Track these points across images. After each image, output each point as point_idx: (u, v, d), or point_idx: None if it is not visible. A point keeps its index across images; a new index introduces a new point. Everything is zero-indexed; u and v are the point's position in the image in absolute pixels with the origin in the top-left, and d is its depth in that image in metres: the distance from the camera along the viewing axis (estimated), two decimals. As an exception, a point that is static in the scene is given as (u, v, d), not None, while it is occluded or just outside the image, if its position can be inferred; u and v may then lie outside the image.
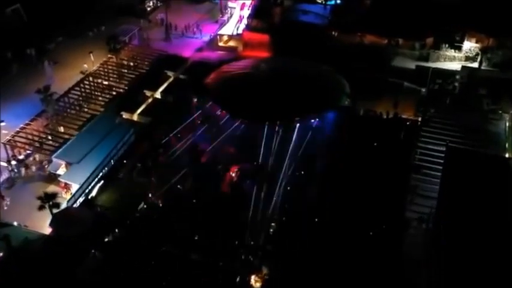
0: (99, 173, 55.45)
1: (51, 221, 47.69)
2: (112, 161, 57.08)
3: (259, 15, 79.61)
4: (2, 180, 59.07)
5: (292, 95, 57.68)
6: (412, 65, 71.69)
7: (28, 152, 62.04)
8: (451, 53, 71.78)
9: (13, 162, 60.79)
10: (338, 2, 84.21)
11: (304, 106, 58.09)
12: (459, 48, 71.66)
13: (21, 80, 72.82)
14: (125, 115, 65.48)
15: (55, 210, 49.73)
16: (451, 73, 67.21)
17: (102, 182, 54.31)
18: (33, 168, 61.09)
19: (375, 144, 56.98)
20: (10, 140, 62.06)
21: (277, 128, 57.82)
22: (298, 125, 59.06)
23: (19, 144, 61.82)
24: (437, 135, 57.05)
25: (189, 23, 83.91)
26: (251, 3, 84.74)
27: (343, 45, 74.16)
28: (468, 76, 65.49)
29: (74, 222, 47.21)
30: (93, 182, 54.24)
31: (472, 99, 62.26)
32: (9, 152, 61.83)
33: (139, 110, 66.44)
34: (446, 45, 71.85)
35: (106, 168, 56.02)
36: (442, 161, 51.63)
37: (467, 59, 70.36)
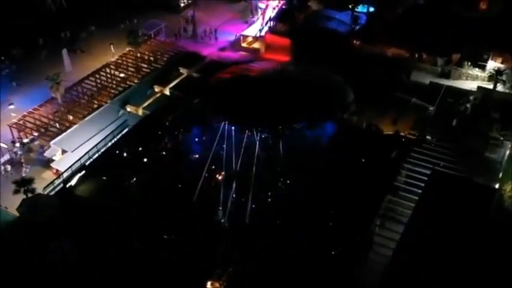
0: (85, 163, 56.36)
1: (18, 206, 49.01)
2: (99, 152, 57.71)
3: (283, 19, 78.66)
4: (2, 161, 61.18)
5: (283, 103, 56.80)
6: (431, 81, 68.32)
7: (34, 135, 63.95)
8: (474, 71, 67.78)
9: (17, 145, 62.99)
10: (371, 9, 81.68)
11: (293, 115, 57.11)
12: (483, 68, 67.52)
13: (46, 66, 74.81)
14: (130, 108, 66.36)
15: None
16: (465, 93, 63.41)
17: (83, 172, 55.01)
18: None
19: (363, 160, 54.65)
20: (16, 122, 64.17)
21: (265, 134, 57.19)
22: (288, 132, 58.18)
23: (23, 127, 63.95)
24: (429, 158, 54.04)
25: (210, 28, 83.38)
26: (276, 6, 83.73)
27: (363, 55, 71.77)
28: (482, 97, 61.63)
29: (39, 209, 48.29)
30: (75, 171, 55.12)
31: (482, 122, 58.44)
32: (15, 134, 63.97)
33: (144, 104, 67.06)
34: (469, 63, 67.88)
35: (90, 159, 56.74)
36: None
37: (491, 79, 66.05)
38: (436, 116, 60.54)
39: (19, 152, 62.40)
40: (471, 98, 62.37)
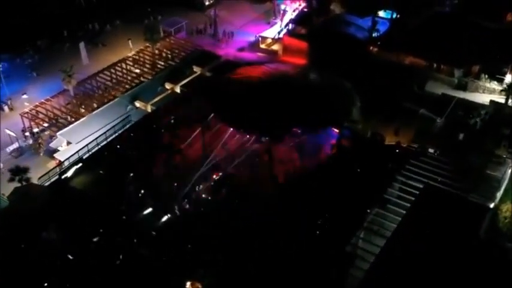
0: (82, 155, 57.14)
1: (9, 194, 50.15)
2: (98, 146, 58.45)
3: (302, 22, 77.87)
4: (11, 149, 62.83)
5: (284, 106, 56.31)
6: (447, 92, 66.21)
7: (43, 126, 65.32)
8: (492, 85, 65.32)
9: (26, 134, 64.56)
10: (394, 16, 79.91)
11: (292, 119, 56.52)
12: (501, 81, 64.98)
13: (67, 58, 76.16)
14: (138, 104, 66.91)
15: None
16: (477, 106, 61.16)
17: (80, 164, 55.75)
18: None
19: (358, 170, 53.50)
20: (27, 112, 65.70)
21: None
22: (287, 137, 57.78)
23: (34, 117, 65.44)
24: (425, 171, 52.24)
25: (228, 31, 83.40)
26: (296, 8, 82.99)
27: (379, 62, 70.27)
28: (494, 112, 59.36)
29: (29, 198, 49.24)
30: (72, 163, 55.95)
31: (489, 138, 56.29)
32: (27, 123, 65.51)
33: (153, 101, 67.43)
34: (486, 76, 65.52)
35: (89, 152, 57.47)
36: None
37: (505, 93, 63.48)
38: (443, 129, 58.44)
39: (30, 142, 63.72)
40: (482, 112, 59.91)
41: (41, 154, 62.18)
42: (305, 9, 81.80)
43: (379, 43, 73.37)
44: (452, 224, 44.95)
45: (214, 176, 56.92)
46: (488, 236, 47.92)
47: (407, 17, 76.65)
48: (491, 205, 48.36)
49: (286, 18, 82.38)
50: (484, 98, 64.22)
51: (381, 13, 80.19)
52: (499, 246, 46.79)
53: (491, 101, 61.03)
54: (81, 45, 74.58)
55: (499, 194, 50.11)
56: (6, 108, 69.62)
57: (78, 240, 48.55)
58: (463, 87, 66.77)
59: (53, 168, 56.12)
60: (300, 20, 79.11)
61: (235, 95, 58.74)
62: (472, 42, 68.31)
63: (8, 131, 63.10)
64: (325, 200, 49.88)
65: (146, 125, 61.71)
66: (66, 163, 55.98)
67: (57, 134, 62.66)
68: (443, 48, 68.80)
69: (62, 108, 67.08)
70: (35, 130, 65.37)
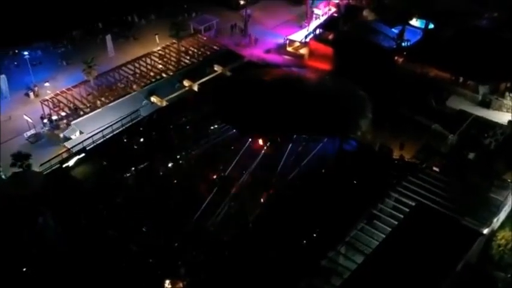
0: (86, 146, 58.28)
1: (7, 178, 51.68)
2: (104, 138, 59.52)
3: (329, 27, 76.57)
4: (29, 134, 64.84)
5: (285, 112, 55.56)
6: (468, 109, 63.61)
7: (61, 115, 67.09)
8: (518, 104, 62.31)
9: (44, 121, 66.46)
10: (430, 26, 77.53)
11: (293, 125, 55.66)
12: (528, 101, 61.88)
13: (97, 49, 78.29)
14: (154, 99, 67.66)
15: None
16: (494, 125, 58.34)
17: (82, 154, 56.85)
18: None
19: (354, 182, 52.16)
20: (47, 99, 67.63)
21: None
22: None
23: (52, 105, 67.30)
24: (423, 189, 50.17)
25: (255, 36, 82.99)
26: (325, 13, 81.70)
27: (403, 73, 68.27)
28: (510, 132, 56.51)
29: (24, 184, 50.56)
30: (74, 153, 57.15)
31: (501, 160, 53.62)
32: (46, 110, 67.43)
33: (168, 97, 67.99)
34: (511, 94, 62.44)
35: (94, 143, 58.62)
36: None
37: (522, 112, 60.53)
38: (454, 147, 56.08)
39: (46, 129, 65.57)
40: (499, 131, 57.10)
41: (64, 134, 63.55)
42: (334, 15, 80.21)
43: (405, 53, 70.88)
44: (438, 247, 42.94)
45: (214, 176, 56.59)
46: (479, 262, 45.76)
47: (441, 28, 73.97)
48: (485, 230, 45.76)
49: (315, 22, 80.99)
50: (506, 118, 61.19)
51: (415, 22, 77.66)
52: (487, 274, 44.57)
53: (510, 121, 57.93)
54: (108, 37, 75.99)
55: (496, 220, 47.47)
56: (31, 94, 71.59)
57: (66, 229, 49.42)
58: (487, 105, 63.92)
59: (56, 156, 57.21)
60: (327, 25, 77.78)
61: (237, 95, 58.49)
62: (503, 59, 65.18)
63: (25, 117, 64.88)
64: (315, 210, 48.83)
65: (155, 120, 61.99)
66: (64, 152, 56.93)
67: (72, 123, 64.07)
68: (471, 62, 65.93)
69: (82, 100, 68.38)
70: (54, 118, 66.94)
